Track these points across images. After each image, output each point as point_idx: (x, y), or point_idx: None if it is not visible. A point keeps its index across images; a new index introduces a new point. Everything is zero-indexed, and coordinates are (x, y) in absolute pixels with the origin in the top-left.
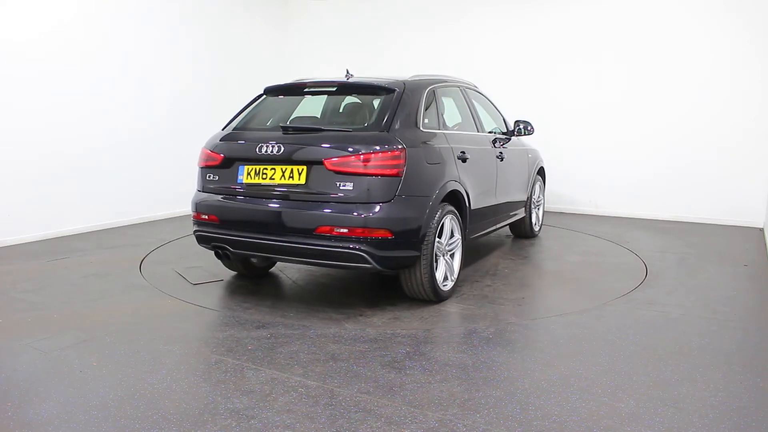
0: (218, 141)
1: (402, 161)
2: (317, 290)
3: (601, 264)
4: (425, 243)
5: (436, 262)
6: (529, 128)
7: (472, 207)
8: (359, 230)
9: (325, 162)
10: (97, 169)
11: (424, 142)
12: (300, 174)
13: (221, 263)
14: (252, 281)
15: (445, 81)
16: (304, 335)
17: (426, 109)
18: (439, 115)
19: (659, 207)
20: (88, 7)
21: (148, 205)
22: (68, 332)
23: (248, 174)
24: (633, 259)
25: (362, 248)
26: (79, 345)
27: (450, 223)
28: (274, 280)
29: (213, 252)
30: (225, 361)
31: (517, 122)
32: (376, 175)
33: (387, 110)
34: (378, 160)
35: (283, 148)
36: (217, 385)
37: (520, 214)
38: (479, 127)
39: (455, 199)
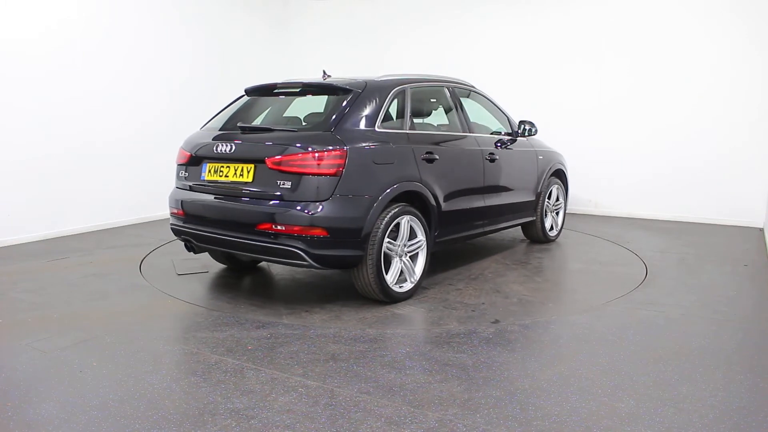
0: (189, 139)
1: (341, 161)
2: (291, 285)
3: (600, 263)
4: (370, 243)
5: (389, 262)
6: (532, 129)
7: (444, 209)
8: (296, 228)
9: (267, 161)
10: (97, 169)
11: (375, 142)
12: (248, 172)
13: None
14: (237, 276)
15: (425, 81)
16: (304, 335)
17: (388, 109)
18: (407, 115)
19: (659, 207)
20: (88, 7)
21: (148, 205)
22: (68, 332)
23: (209, 171)
24: (633, 259)
25: (298, 246)
26: (79, 345)
27: (408, 224)
28: (263, 275)
29: (183, 244)
30: (225, 361)
31: (521, 122)
32: (314, 174)
33: (337, 110)
34: (315, 159)
35: (234, 147)
36: (217, 385)
37: (527, 217)
38: (466, 127)
39: (418, 199)
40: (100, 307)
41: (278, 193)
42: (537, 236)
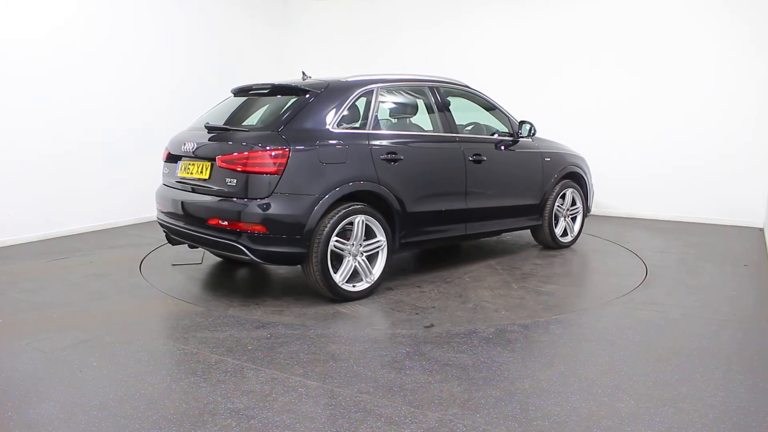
0: (172, 138)
1: (281, 160)
2: (269, 279)
3: (597, 268)
4: (315, 241)
5: (340, 261)
6: (531, 129)
7: (411, 210)
8: (239, 224)
9: (217, 159)
10: (98, 169)
11: (326, 142)
12: (206, 170)
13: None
14: (230, 270)
15: (401, 80)
16: (304, 335)
17: (349, 109)
18: (371, 115)
19: (659, 207)
20: (88, 8)
21: (148, 204)
22: (68, 332)
23: (182, 169)
24: (633, 259)
25: (240, 241)
26: (79, 345)
27: (362, 223)
28: (256, 270)
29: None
30: (225, 361)
31: (520, 123)
32: (255, 172)
33: (289, 111)
34: (256, 158)
35: (196, 146)
36: (217, 385)
37: (531, 221)
38: (448, 127)
39: (378, 199)
40: (100, 307)
41: (226, 190)
42: (546, 241)
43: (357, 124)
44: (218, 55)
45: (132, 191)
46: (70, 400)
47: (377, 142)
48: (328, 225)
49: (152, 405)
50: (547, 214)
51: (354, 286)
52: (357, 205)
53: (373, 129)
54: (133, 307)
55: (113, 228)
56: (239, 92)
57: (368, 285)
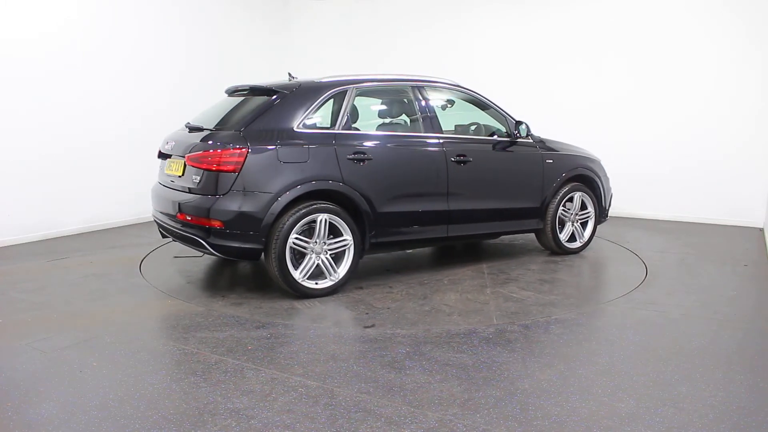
0: (165, 137)
1: (239, 158)
2: (257, 276)
3: (597, 263)
4: (274, 238)
5: (301, 258)
6: (527, 130)
7: (382, 210)
8: (201, 219)
9: (186, 157)
10: (97, 169)
11: (287, 142)
12: (181, 167)
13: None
14: (230, 266)
15: (380, 81)
16: (304, 335)
17: (318, 109)
18: (342, 115)
19: (659, 207)
20: (88, 8)
21: (148, 205)
22: (68, 332)
23: (167, 166)
24: (633, 259)
25: (201, 235)
26: (79, 345)
27: (325, 222)
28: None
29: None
30: (225, 361)
31: (516, 123)
32: (214, 170)
33: (256, 111)
34: (215, 156)
35: (174, 144)
36: (217, 385)
37: (529, 225)
38: (429, 127)
39: (346, 199)
40: (100, 307)
41: (191, 187)
42: (550, 246)
43: (325, 125)
44: (218, 56)
45: (132, 191)
46: (70, 400)
47: (344, 143)
48: (287, 222)
49: (152, 405)
50: (549, 218)
51: (317, 284)
52: (319, 203)
53: (342, 129)
54: (133, 307)
55: (113, 228)
56: (231, 92)
57: (332, 283)
